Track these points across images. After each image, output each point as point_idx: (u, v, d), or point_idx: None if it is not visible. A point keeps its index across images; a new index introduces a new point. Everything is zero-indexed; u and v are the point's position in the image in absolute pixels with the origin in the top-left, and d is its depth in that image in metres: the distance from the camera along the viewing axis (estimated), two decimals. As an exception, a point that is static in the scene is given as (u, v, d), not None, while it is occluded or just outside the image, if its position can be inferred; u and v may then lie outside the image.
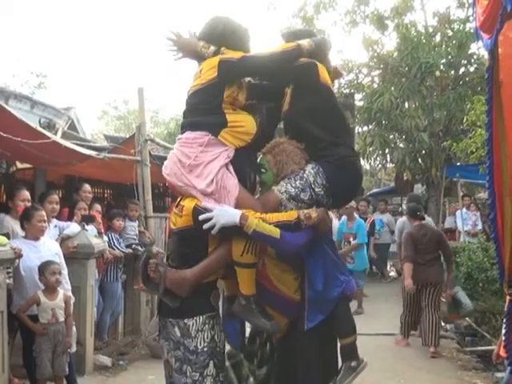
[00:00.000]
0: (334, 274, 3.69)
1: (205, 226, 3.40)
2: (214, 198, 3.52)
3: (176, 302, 3.53)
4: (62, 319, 6.09)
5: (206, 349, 3.52)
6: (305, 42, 3.72)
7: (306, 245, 3.55)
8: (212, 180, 3.50)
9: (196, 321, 3.53)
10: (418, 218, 9.47)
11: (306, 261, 3.67)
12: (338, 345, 3.76)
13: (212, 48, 3.70)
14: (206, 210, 3.44)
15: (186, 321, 3.54)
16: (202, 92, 3.65)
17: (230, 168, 3.58)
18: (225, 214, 3.40)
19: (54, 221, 7.31)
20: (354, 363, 3.60)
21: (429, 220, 12.63)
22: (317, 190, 3.62)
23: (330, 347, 3.68)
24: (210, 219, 3.39)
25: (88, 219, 8.02)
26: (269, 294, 3.71)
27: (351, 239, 11.94)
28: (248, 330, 4.17)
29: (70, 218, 7.83)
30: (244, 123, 3.67)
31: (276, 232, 3.42)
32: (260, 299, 3.71)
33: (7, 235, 6.27)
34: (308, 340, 3.64)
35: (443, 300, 9.60)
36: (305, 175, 3.63)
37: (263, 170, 3.76)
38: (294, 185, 3.61)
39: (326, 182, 3.63)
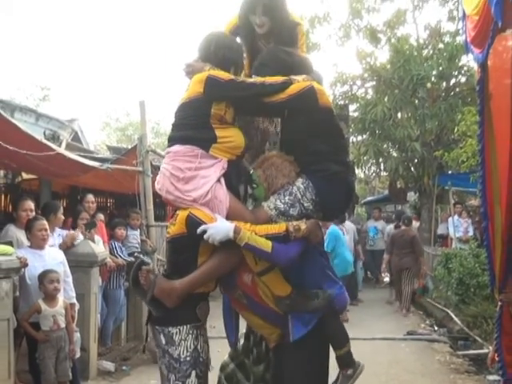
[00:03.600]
0: (318, 285, 3.61)
1: (205, 237, 3.36)
2: (208, 206, 3.49)
3: (160, 311, 3.51)
4: (63, 325, 6.08)
5: (188, 358, 3.47)
6: (299, 78, 3.66)
7: (298, 257, 3.49)
8: (208, 191, 3.47)
9: (180, 330, 3.49)
10: (399, 226, 14.33)
11: (291, 274, 3.62)
12: (333, 355, 3.71)
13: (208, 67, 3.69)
14: (200, 219, 3.41)
15: (170, 329, 3.50)
16: (189, 106, 3.61)
17: (221, 179, 3.54)
18: (219, 230, 3.36)
19: (58, 230, 7.30)
20: (350, 371, 3.56)
21: (415, 225, 16.43)
22: (306, 204, 3.57)
23: (318, 359, 3.63)
24: (205, 231, 3.36)
25: (90, 225, 8.04)
26: (260, 308, 3.65)
27: None
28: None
29: (73, 228, 7.84)
30: (233, 138, 3.63)
31: (267, 245, 3.37)
32: (253, 311, 3.71)
33: (10, 243, 6.27)
34: (295, 351, 3.58)
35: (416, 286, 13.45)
36: (294, 190, 3.58)
37: (254, 185, 3.70)
38: (283, 200, 3.57)
39: (316, 196, 3.58)
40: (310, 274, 3.64)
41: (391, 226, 16.02)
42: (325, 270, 3.75)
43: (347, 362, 3.59)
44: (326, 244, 12.00)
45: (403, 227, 13.83)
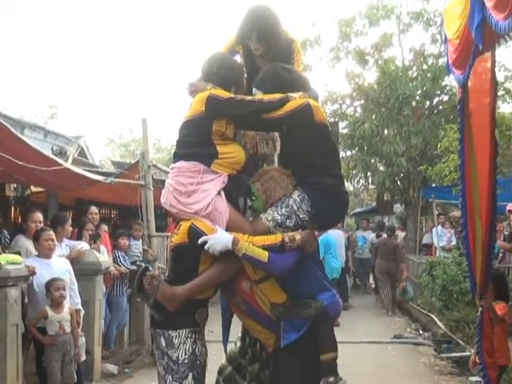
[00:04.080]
0: (312, 294, 3.60)
1: (205, 247, 3.37)
2: (209, 219, 3.49)
3: (162, 315, 3.50)
4: (68, 330, 6.07)
5: (186, 361, 3.46)
6: (296, 95, 3.67)
7: (293, 266, 3.48)
8: (208, 203, 3.47)
9: (179, 333, 3.48)
10: (380, 236, 15.66)
11: (287, 283, 3.61)
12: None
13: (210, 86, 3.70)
14: (202, 230, 3.42)
15: (170, 332, 3.49)
16: (192, 123, 3.62)
17: (221, 192, 3.55)
18: (218, 241, 3.37)
19: (66, 240, 7.31)
20: (331, 379, 3.50)
21: (401, 235, 17.55)
22: (301, 216, 3.57)
23: (313, 361, 3.61)
24: (205, 242, 3.37)
25: (94, 236, 8.07)
26: (258, 314, 3.64)
27: None
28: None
29: (78, 238, 7.84)
30: (234, 154, 3.64)
31: (264, 255, 3.37)
32: (252, 317, 3.69)
33: (19, 253, 6.27)
34: (291, 354, 3.58)
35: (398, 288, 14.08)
36: (290, 202, 3.58)
37: (253, 198, 3.70)
38: (280, 212, 3.57)
39: (311, 208, 3.57)
40: (304, 283, 3.63)
41: (373, 235, 16.97)
42: (319, 278, 3.73)
43: (330, 369, 3.54)
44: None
45: (384, 236, 14.95)
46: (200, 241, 3.39)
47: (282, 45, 4.03)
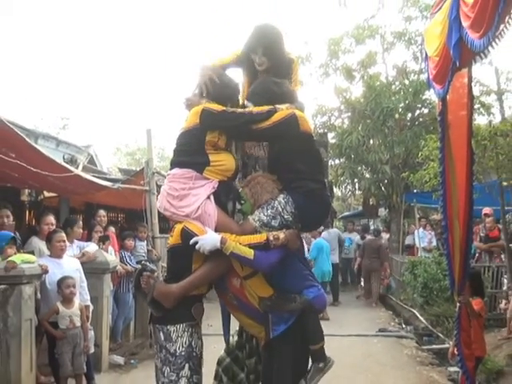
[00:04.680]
0: (297, 289, 3.61)
1: (196, 247, 3.39)
2: (199, 221, 3.51)
3: (159, 311, 3.50)
4: (78, 325, 6.07)
5: (183, 353, 3.45)
6: (283, 107, 3.68)
7: (278, 263, 3.49)
8: (198, 207, 3.49)
9: (177, 328, 3.47)
10: (364, 237, 16.20)
11: (273, 278, 3.60)
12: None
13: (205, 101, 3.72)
14: (193, 232, 3.44)
15: (168, 327, 3.48)
16: (187, 134, 3.64)
17: (211, 197, 3.56)
18: (208, 241, 3.39)
19: (76, 242, 7.30)
20: (321, 364, 3.53)
21: (386, 237, 17.32)
22: (286, 216, 3.57)
23: (301, 351, 3.62)
24: (196, 242, 3.39)
25: (103, 238, 8.10)
26: (248, 308, 3.65)
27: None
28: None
29: (88, 239, 7.83)
30: (225, 162, 3.65)
31: (250, 253, 3.38)
32: (243, 312, 3.70)
33: (32, 253, 6.25)
34: (280, 346, 3.57)
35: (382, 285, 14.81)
36: (275, 204, 3.58)
37: (242, 202, 3.72)
38: (266, 213, 3.58)
39: (295, 210, 3.58)
40: (290, 279, 3.62)
41: (358, 237, 17.39)
42: (305, 274, 3.73)
43: (320, 356, 3.57)
44: (310, 252, 12.10)
45: (369, 237, 15.81)
46: (191, 241, 3.40)
47: (284, 62, 4.06)
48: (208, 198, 3.54)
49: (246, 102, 3.85)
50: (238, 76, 4.21)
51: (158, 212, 9.09)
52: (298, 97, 3.99)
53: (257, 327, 3.73)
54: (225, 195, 3.66)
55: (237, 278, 3.61)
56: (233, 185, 3.79)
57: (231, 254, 3.40)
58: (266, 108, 3.64)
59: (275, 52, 3.96)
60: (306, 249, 3.76)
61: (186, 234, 3.44)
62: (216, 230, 3.48)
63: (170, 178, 3.63)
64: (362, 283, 16.17)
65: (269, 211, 3.59)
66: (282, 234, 3.48)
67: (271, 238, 3.45)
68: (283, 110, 3.65)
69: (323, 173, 4.06)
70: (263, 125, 3.61)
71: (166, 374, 3.46)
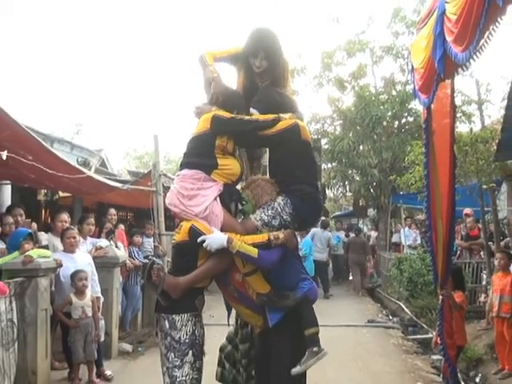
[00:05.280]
0: (294, 282, 3.64)
1: (204, 245, 3.40)
2: (206, 220, 3.52)
3: (167, 301, 3.50)
4: (90, 315, 6.07)
5: (187, 340, 3.46)
6: (286, 116, 3.70)
7: (279, 261, 3.52)
8: (206, 207, 3.50)
9: (181, 317, 3.48)
10: (348, 235, 16.79)
11: (271, 276, 3.62)
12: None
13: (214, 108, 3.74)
14: (200, 230, 3.45)
15: (174, 316, 3.49)
16: (198, 139, 3.65)
17: (217, 198, 3.57)
18: (215, 240, 3.40)
19: (89, 238, 7.30)
20: (315, 349, 3.52)
21: (374, 235, 18.27)
22: (285, 217, 3.61)
23: (298, 336, 3.62)
24: (204, 240, 3.41)
25: (110, 233, 8.10)
26: (248, 300, 3.67)
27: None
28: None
29: (99, 236, 7.84)
30: (231, 166, 3.66)
31: (254, 252, 3.41)
32: (243, 303, 3.73)
33: (46, 247, 6.25)
34: (278, 333, 3.58)
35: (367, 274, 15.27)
36: (275, 205, 3.62)
37: (244, 202, 3.75)
38: (266, 214, 3.60)
39: (293, 211, 3.61)
40: (287, 274, 3.65)
41: (343, 235, 17.89)
42: (299, 270, 3.78)
43: (314, 342, 3.56)
44: (302, 249, 12.18)
45: (353, 235, 16.36)
46: (199, 240, 3.41)
47: (280, 67, 4.04)
48: (215, 199, 3.55)
49: (251, 110, 3.86)
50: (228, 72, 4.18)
51: (164, 211, 9.10)
52: (298, 106, 4.01)
53: (255, 317, 3.76)
54: (228, 197, 3.67)
55: (239, 273, 3.62)
56: (235, 187, 3.80)
57: (237, 253, 3.41)
58: (271, 117, 3.67)
59: (276, 55, 3.94)
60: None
61: (194, 232, 3.45)
62: (221, 230, 3.50)
63: (181, 177, 3.63)
64: (351, 277, 16.23)
65: (269, 212, 3.61)
66: (281, 234, 3.51)
67: (272, 237, 3.48)
68: (286, 120, 3.68)
69: (317, 177, 4.09)
70: (268, 132, 3.64)
71: (170, 360, 3.46)
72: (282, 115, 3.70)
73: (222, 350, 4.16)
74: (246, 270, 3.56)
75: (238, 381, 4.19)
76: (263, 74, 4.00)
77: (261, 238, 3.50)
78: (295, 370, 3.44)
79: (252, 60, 3.97)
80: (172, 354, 3.46)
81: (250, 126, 3.66)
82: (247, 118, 3.73)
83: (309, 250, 12.93)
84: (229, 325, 4.19)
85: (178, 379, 3.42)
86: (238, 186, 3.93)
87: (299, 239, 12.29)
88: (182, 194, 3.56)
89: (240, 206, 3.80)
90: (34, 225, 7.45)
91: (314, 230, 13.98)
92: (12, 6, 49.98)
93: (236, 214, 3.82)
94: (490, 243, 10.06)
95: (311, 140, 4.02)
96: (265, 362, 3.71)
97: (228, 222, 3.58)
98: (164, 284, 3.49)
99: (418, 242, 14.58)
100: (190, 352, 3.47)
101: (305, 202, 3.66)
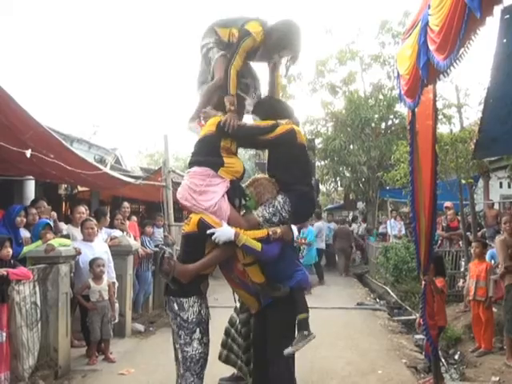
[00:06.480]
0: (288, 273, 3.71)
1: (212, 238, 3.46)
2: (215, 214, 3.56)
3: (176, 286, 3.57)
4: (106, 298, 6.08)
5: (194, 319, 3.54)
6: (284, 122, 3.77)
7: (278, 253, 3.60)
8: (216, 203, 3.56)
9: (189, 300, 3.56)
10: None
11: (266, 267, 3.70)
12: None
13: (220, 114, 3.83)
14: (208, 223, 3.50)
15: (181, 299, 3.57)
16: (205, 140, 3.74)
17: (225, 194, 3.63)
18: (223, 233, 3.46)
19: (104, 229, 7.29)
20: (306, 332, 3.58)
21: (363, 226, 18.04)
22: (284, 214, 3.68)
23: (290, 314, 3.66)
24: (212, 233, 3.46)
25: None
26: (247, 286, 3.79)
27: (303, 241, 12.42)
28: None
29: (111, 226, 7.79)
30: (235, 164, 3.75)
31: (258, 245, 3.50)
32: (243, 288, 3.85)
33: (67, 236, 6.25)
34: (272, 311, 3.69)
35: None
36: (276, 203, 3.68)
37: (247, 199, 3.81)
38: (268, 211, 3.67)
39: (291, 208, 3.68)
40: (283, 264, 3.72)
41: (334, 225, 17.38)
42: (294, 261, 3.91)
43: (304, 325, 3.63)
44: (309, 237, 12.22)
45: (339, 225, 16.64)
46: (208, 232, 3.47)
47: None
48: (223, 195, 3.61)
49: (252, 116, 4.00)
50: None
51: (173, 204, 9.10)
52: (294, 112, 4.06)
53: (251, 299, 3.89)
54: (233, 193, 3.72)
55: (240, 263, 3.70)
56: (239, 184, 3.85)
57: (243, 246, 3.49)
58: (270, 123, 3.77)
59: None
60: (296, 234, 3.83)
61: (202, 225, 3.51)
62: (227, 224, 3.55)
63: (191, 174, 3.68)
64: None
65: (270, 209, 3.68)
66: (278, 230, 3.61)
67: (271, 232, 3.57)
68: (284, 125, 3.76)
69: (312, 176, 4.15)
70: (268, 136, 3.73)
71: (182, 337, 3.55)
72: (279, 121, 3.79)
73: (230, 322, 4.40)
74: (246, 261, 3.65)
75: (234, 349, 4.44)
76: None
77: (261, 232, 3.59)
78: (287, 351, 3.52)
79: (275, 56, 3.99)
80: (182, 331, 3.55)
81: (251, 131, 3.80)
82: (249, 124, 3.87)
83: (313, 238, 12.86)
84: (235, 302, 4.36)
85: (188, 353, 3.53)
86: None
87: (303, 230, 12.32)
88: (193, 190, 3.62)
89: (244, 202, 3.86)
90: (54, 214, 7.43)
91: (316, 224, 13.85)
92: (12, 6, 47.68)
93: (240, 209, 3.87)
94: (468, 233, 10.06)
95: (306, 142, 4.07)
96: (261, 333, 3.79)
97: (234, 217, 3.64)
98: (175, 271, 3.53)
99: (403, 232, 14.59)
100: (198, 329, 3.56)
101: (302, 200, 3.74)
